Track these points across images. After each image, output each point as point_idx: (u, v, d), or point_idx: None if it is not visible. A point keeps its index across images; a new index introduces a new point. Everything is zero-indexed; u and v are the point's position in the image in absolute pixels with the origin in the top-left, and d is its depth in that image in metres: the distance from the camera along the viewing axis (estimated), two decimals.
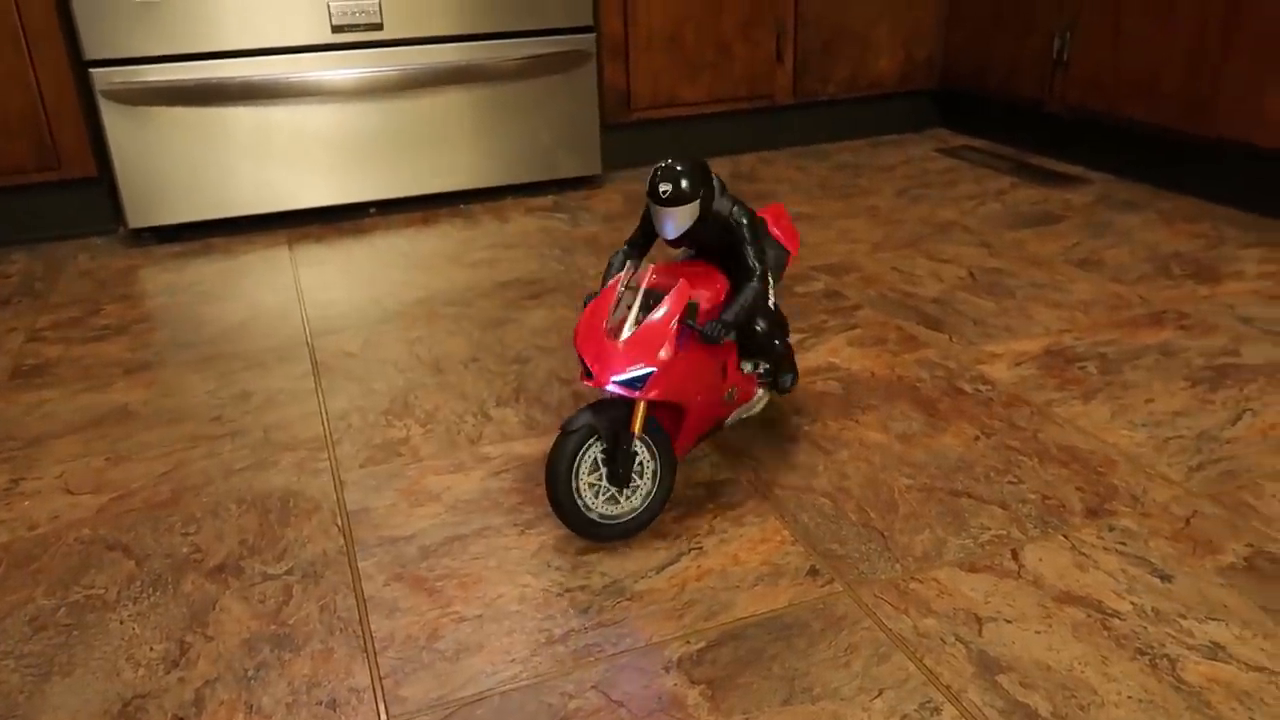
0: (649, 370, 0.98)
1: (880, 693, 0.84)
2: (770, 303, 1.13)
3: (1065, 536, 1.04)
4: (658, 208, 1.03)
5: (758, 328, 1.10)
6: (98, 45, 1.97)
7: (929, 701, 0.83)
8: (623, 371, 0.97)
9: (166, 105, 2.04)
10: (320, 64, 2.11)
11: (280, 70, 2.09)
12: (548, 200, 2.34)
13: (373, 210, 2.29)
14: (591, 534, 1.03)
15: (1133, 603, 0.94)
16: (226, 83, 2.05)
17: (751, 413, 1.19)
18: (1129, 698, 0.83)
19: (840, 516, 1.09)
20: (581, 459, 1.00)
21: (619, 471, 1.01)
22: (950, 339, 1.52)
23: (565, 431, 1.00)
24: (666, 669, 0.88)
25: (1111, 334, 1.52)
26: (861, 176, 2.45)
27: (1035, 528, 1.06)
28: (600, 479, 1.02)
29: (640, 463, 1.03)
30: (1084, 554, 1.01)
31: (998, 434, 1.25)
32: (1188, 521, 1.06)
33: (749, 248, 1.06)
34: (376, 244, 2.08)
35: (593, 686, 0.86)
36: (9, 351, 1.62)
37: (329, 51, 2.12)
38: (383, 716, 0.84)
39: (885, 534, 1.05)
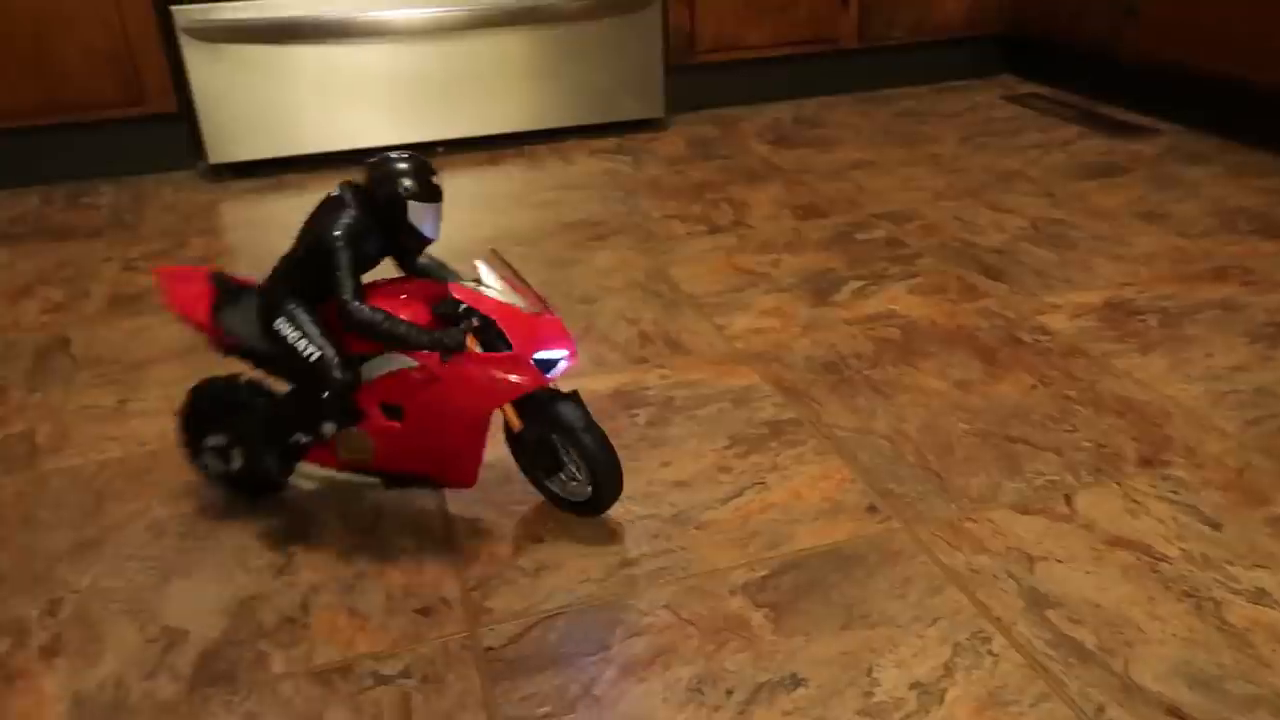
0: (563, 353, 0.97)
1: (934, 622, 0.90)
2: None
3: (1118, 484, 1.08)
4: (430, 205, 0.94)
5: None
6: None
7: (980, 632, 0.89)
8: (563, 349, 0.98)
9: (243, 43, 2.09)
10: (391, 3, 2.15)
11: (351, 8, 2.13)
12: (610, 142, 2.37)
13: (440, 149, 2.34)
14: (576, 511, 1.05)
15: (1182, 548, 0.98)
16: (301, 21, 2.10)
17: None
18: (1173, 635, 0.87)
19: (898, 458, 1.13)
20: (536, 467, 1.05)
21: (546, 465, 1.04)
22: (1010, 289, 1.54)
23: (520, 448, 1.04)
24: (732, 593, 0.94)
25: (1173, 288, 1.53)
26: (925, 123, 2.44)
27: (1089, 474, 1.10)
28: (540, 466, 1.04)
29: (563, 452, 1.03)
30: (1136, 501, 1.05)
31: (1055, 383, 1.28)
32: (1240, 473, 1.09)
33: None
34: (445, 183, 2.13)
35: (664, 606, 0.93)
36: (107, 280, 1.71)
37: None
38: (471, 623, 0.91)
39: (942, 475, 1.10)
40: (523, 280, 0.99)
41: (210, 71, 2.10)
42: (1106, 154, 2.17)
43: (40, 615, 0.95)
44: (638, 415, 1.23)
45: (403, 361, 0.96)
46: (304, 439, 1.00)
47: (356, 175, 0.99)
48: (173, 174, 2.26)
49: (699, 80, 2.57)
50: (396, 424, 0.99)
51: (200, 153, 2.22)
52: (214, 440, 1.06)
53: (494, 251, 1.02)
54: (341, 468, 1.05)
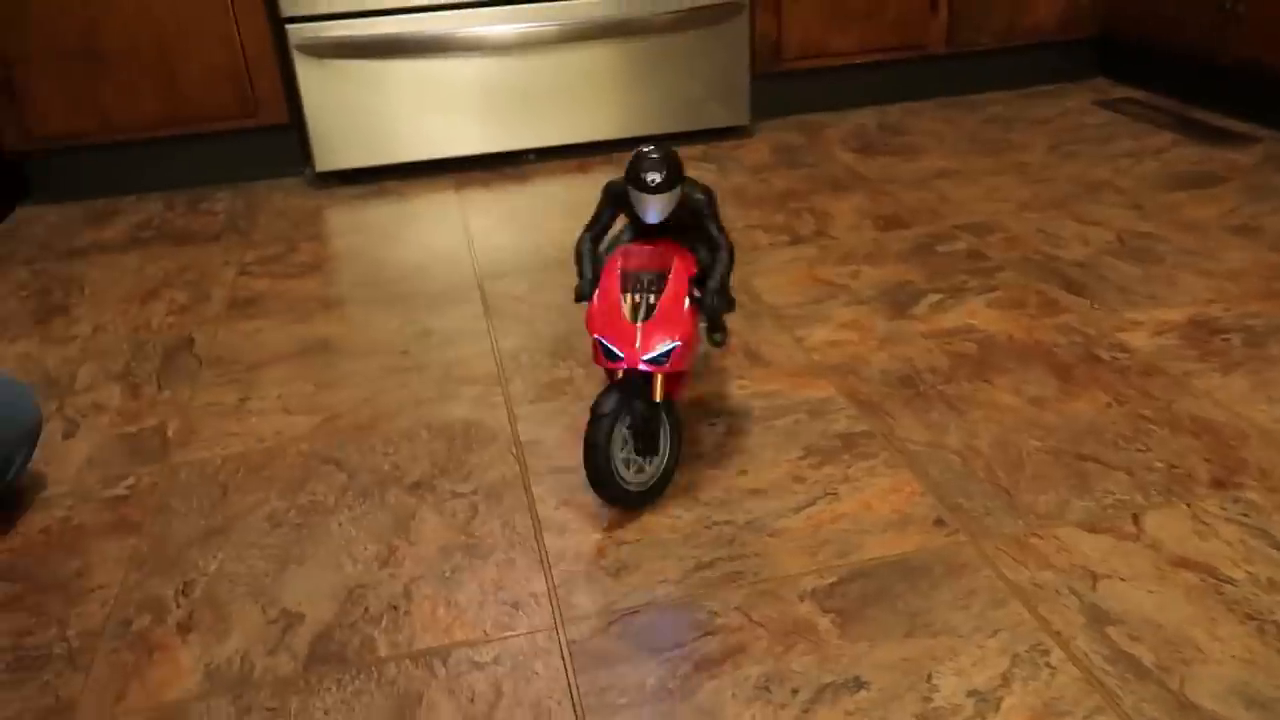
0: (674, 345, 1.07)
1: (995, 633, 0.94)
2: (729, 277, 1.17)
3: (1188, 505, 1.09)
4: (646, 195, 1.10)
5: (714, 300, 1.14)
6: (293, 3, 2.15)
7: (1039, 645, 0.92)
8: (650, 350, 1.07)
9: (350, 58, 2.22)
10: (486, 19, 2.25)
11: (449, 25, 2.23)
12: (697, 150, 2.43)
13: (531, 157, 2.44)
14: (624, 503, 1.12)
15: (1248, 571, 1.00)
16: (402, 37, 2.22)
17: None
18: (1232, 657, 0.89)
19: (969, 473, 1.17)
20: (614, 438, 1.09)
21: (651, 441, 1.11)
22: (1092, 304, 1.55)
23: (598, 415, 1.07)
24: (801, 598, 1.00)
25: (1261, 305, 1.52)
26: (1012, 130, 2.43)
27: (1159, 495, 1.11)
28: (629, 452, 1.11)
29: (663, 430, 1.13)
30: (1205, 523, 1.07)
31: (1131, 402, 1.29)
32: None
33: (711, 223, 1.15)
34: (536, 190, 2.22)
35: (735, 608, 0.99)
36: (225, 284, 1.84)
37: (494, 7, 2.24)
38: (558, 618, 0.99)
39: (1010, 491, 1.13)
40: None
41: (319, 85, 2.23)
42: (1201, 163, 2.13)
43: (175, 595, 1.06)
44: (716, 424, 1.29)
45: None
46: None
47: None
48: (283, 180, 2.41)
49: (785, 87, 2.61)
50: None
51: (308, 161, 2.35)
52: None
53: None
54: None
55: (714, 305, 1.12)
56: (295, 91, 2.25)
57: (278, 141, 2.40)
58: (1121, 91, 2.69)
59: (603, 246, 1.20)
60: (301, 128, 2.32)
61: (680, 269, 1.12)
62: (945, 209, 1.97)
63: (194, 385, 1.49)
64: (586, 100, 2.38)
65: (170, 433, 1.36)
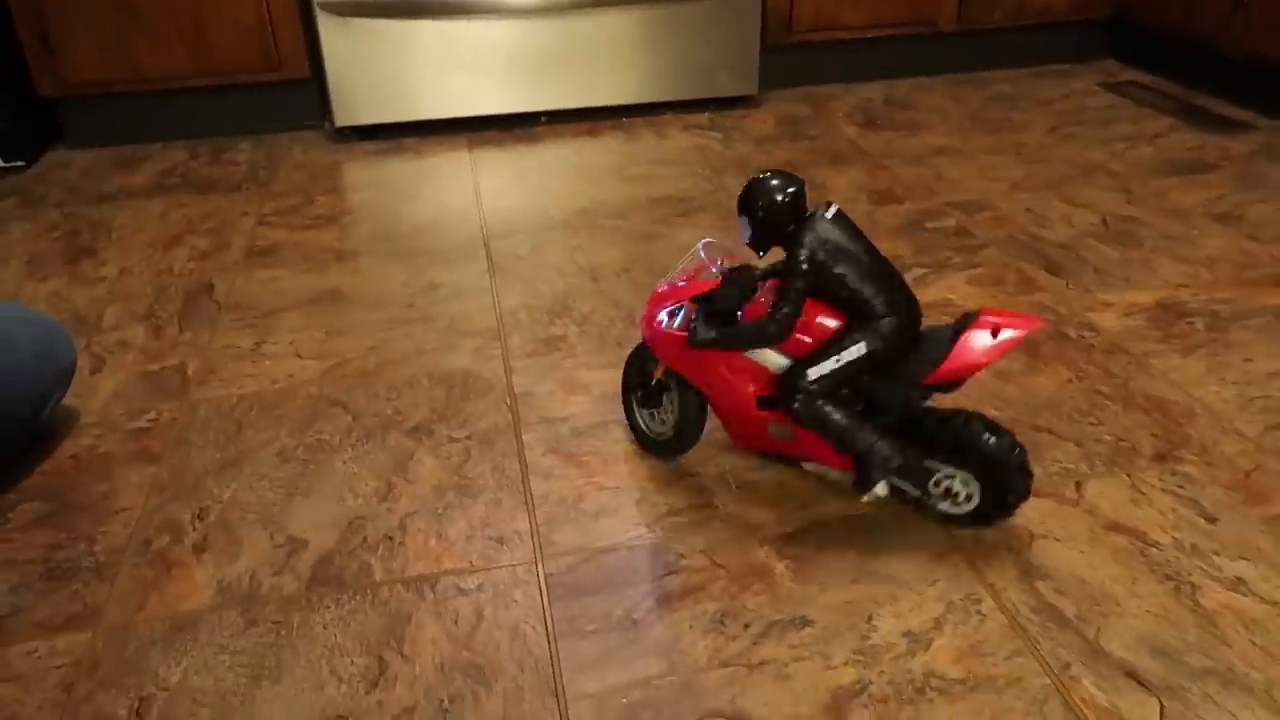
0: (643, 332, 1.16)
1: (934, 583, 1.03)
2: (811, 372, 1.02)
3: (1129, 475, 1.18)
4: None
5: (794, 381, 1.03)
6: None
7: (973, 594, 1.01)
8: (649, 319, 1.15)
9: (371, 17, 2.28)
10: None
11: None
12: (704, 118, 2.48)
13: (544, 119, 2.50)
14: (640, 442, 1.24)
15: (1174, 537, 1.08)
16: None
17: (834, 477, 1.14)
18: (1147, 612, 0.98)
19: None
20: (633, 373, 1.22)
21: (647, 394, 1.21)
22: (1067, 285, 1.62)
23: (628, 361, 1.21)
24: (761, 544, 1.09)
25: (1230, 292, 1.58)
26: (1016, 109, 2.48)
27: (1103, 465, 1.19)
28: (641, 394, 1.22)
29: (671, 398, 1.20)
30: (1142, 492, 1.15)
31: (1090, 378, 1.37)
32: (1248, 474, 1.17)
33: (783, 291, 1.02)
34: (546, 153, 2.29)
35: (700, 551, 1.08)
36: (244, 232, 1.93)
37: None
38: (538, 553, 1.09)
39: None
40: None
41: (341, 42, 2.30)
42: (1195, 150, 2.18)
43: (191, 519, 1.16)
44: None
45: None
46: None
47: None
48: (302, 134, 2.49)
49: (794, 58, 2.65)
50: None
51: (328, 115, 2.43)
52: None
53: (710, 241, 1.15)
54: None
55: (689, 328, 1.09)
56: (317, 48, 2.32)
57: (299, 96, 2.48)
58: (1129, 75, 2.72)
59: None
60: (322, 83, 2.39)
61: (702, 284, 1.10)
62: (940, 186, 2.03)
63: (213, 328, 1.58)
64: (600, 65, 2.44)
65: (190, 372, 1.46)
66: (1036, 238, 1.79)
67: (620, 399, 1.29)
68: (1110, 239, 1.78)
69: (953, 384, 1.04)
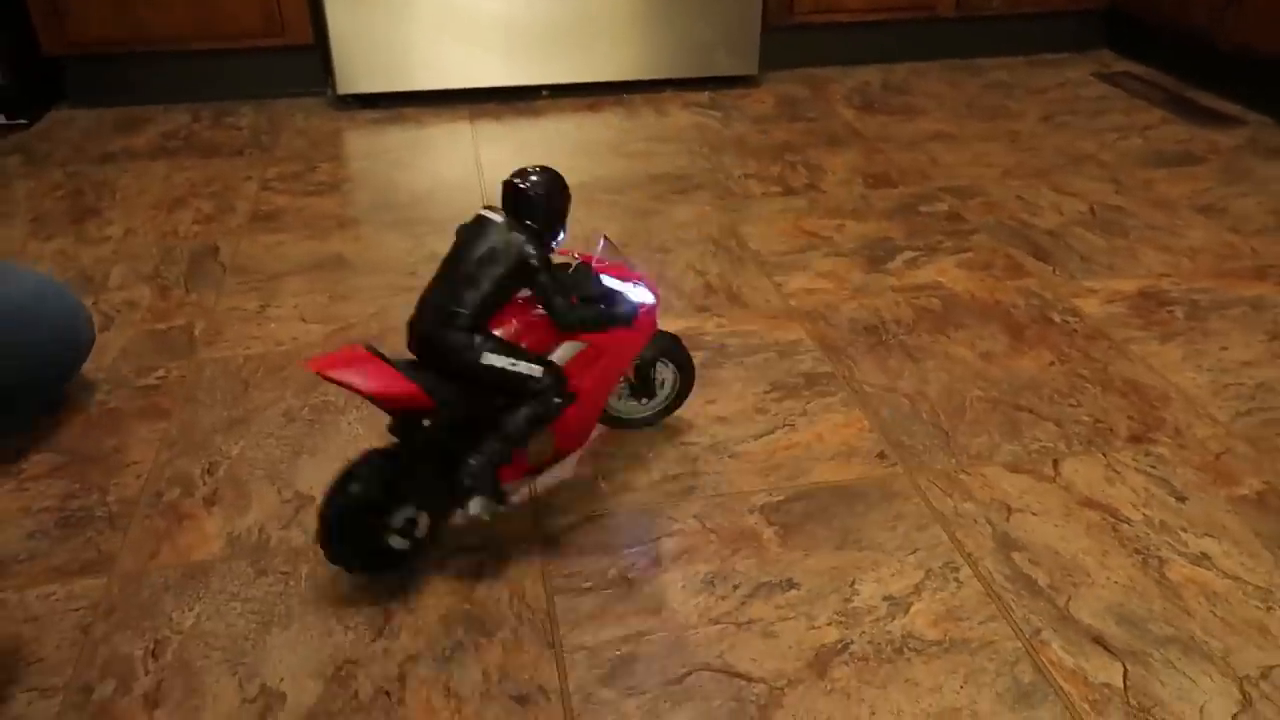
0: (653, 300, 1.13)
1: (914, 551, 1.08)
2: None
3: (1104, 455, 1.23)
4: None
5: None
6: None
7: (951, 563, 1.06)
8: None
9: None
10: None
11: None
12: (704, 96, 2.51)
13: (545, 93, 2.52)
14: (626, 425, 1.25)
15: (1145, 514, 1.13)
16: None
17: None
18: (1115, 583, 1.03)
19: (915, 415, 1.30)
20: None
21: (641, 392, 1.24)
22: (1053, 271, 1.67)
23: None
24: (750, 512, 1.14)
25: (1210, 282, 1.63)
26: (1011, 97, 2.51)
27: (1080, 445, 1.24)
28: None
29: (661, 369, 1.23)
30: (1116, 471, 1.20)
31: (1071, 362, 1.42)
32: (1218, 457, 1.22)
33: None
34: (547, 126, 2.32)
35: (693, 516, 1.13)
36: (248, 197, 1.96)
37: None
38: (535, 514, 1.13)
39: (949, 433, 1.26)
40: (630, 264, 1.13)
41: (345, 10, 2.31)
42: (1184, 142, 2.22)
43: (201, 474, 1.20)
44: (693, 357, 1.42)
45: (576, 346, 1.04)
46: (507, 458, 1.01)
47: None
48: (303, 100, 2.50)
49: (794, 40, 2.68)
50: (572, 409, 1.04)
51: (330, 82, 2.44)
52: (402, 514, 1.00)
53: (607, 237, 1.15)
54: (519, 476, 1.07)
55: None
56: (321, 14, 2.34)
57: (301, 62, 2.49)
58: (1124, 65, 2.76)
59: None
60: (325, 50, 2.40)
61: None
62: (934, 171, 2.07)
63: (218, 290, 1.61)
64: (602, 41, 2.46)
65: (197, 332, 1.49)
66: (1026, 224, 1.83)
67: None
68: (1097, 227, 1.82)
69: None
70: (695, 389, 1.34)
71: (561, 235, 1.05)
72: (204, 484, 1.18)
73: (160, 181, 2.02)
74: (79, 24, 2.29)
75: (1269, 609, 1.01)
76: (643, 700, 0.91)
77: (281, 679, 0.93)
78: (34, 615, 1.00)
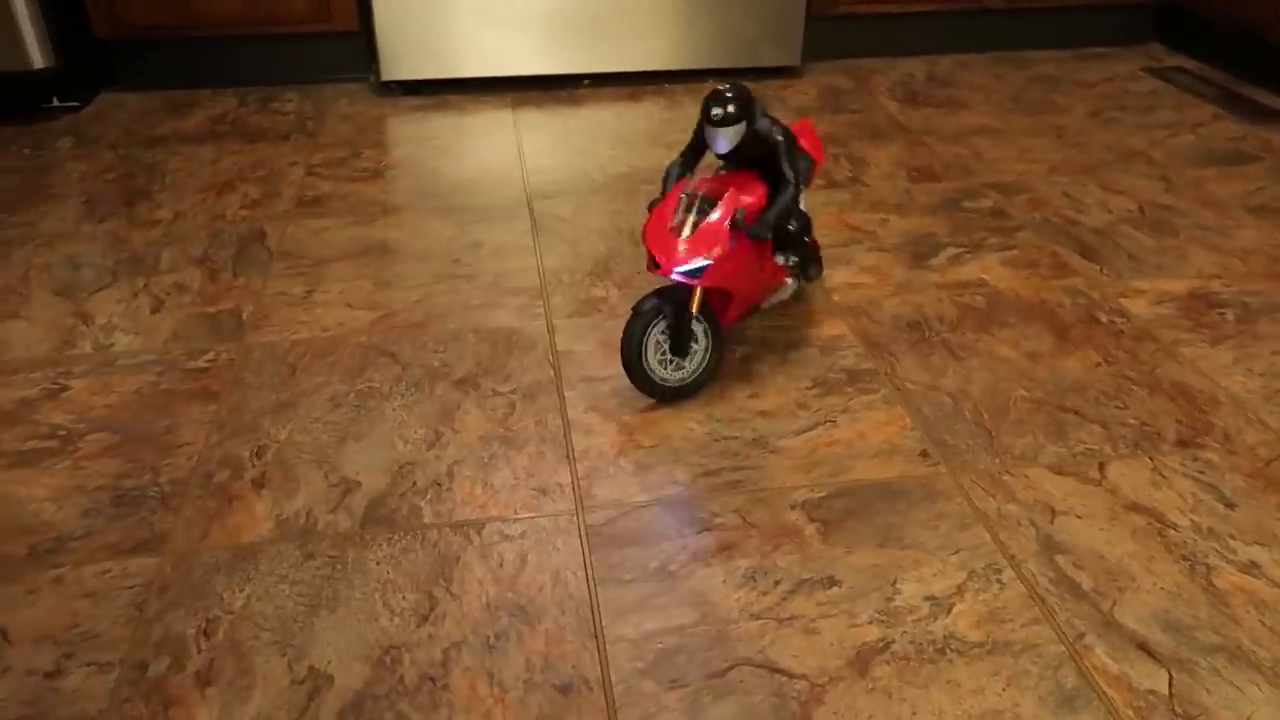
0: (706, 263, 1.21)
1: (957, 551, 1.08)
2: (804, 206, 1.34)
3: (1151, 459, 1.21)
4: (711, 128, 1.24)
5: (790, 227, 1.32)
6: None
7: (994, 564, 1.06)
8: (685, 263, 1.21)
9: None
10: None
11: None
12: None
13: (586, 82, 2.52)
14: (654, 393, 1.30)
15: (1192, 520, 1.12)
16: None
17: (783, 297, 1.44)
18: (1161, 589, 1.03)
19: (957, 413, 1.29)
20: (649, 334, 1.26)
21: (680, 344, 1.26)
22: (1101, 270, 1.65)
23: (636, 312, 1.25)
24: (792, 507, 1.14)
25: (1262, 284, 1.60)
26: (1057, 91, 2.48)
27: (1127, 448, 1.23)
28: (665, 350, 1.27)
29: (696, 337, 1.28)
30: (1163, 475, 1.19)
31: (1119, 363, 1.40)
32: (1268, 463, 1.21)
33: (784, 162, 1.27)
34: (588, 115, 2.32)
35: (734, 510, 1.13)
36: (293, 182, 1.98)
37: None
38: (579, 505, 1.14)
39: (993, 433, 1.26)
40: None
41: None
42: (1237, 140, 2.18)
43: (250, 456, 1.22)
44: (736, 351, 1.42)
45: None
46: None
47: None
48: (348, 86, 2.52)
49: (838, 30, 2.66)
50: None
51: (374, 69, 2.46)
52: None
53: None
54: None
55: (755, 232, 1.25)
56: (367, 1, 2.35)
57: (346, 48, 2.51)
58: (1174, 60, 2.70)
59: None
60: (370, 36, 2.42)
61: (732, 197, 1.24)
62: (978, 166, 2.05)
63: (266, 275, 1.63)
64: (643, 31, 2.45)
65: (245, 316, 1.52)
66: (1072, 222, 1.81)
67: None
68: (1146, 226, 1.80)
69: None
70: (739, 381, 1.34)
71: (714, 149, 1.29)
72: (253, 466, 1.20)
73: (208, 165, 2.05)
74: (130, 8, 2.32)
75: None
76: (684, 693, 0.92)
77: (329, 661, 0.95)
78: (90, 591, 1.03)
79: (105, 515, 1.13)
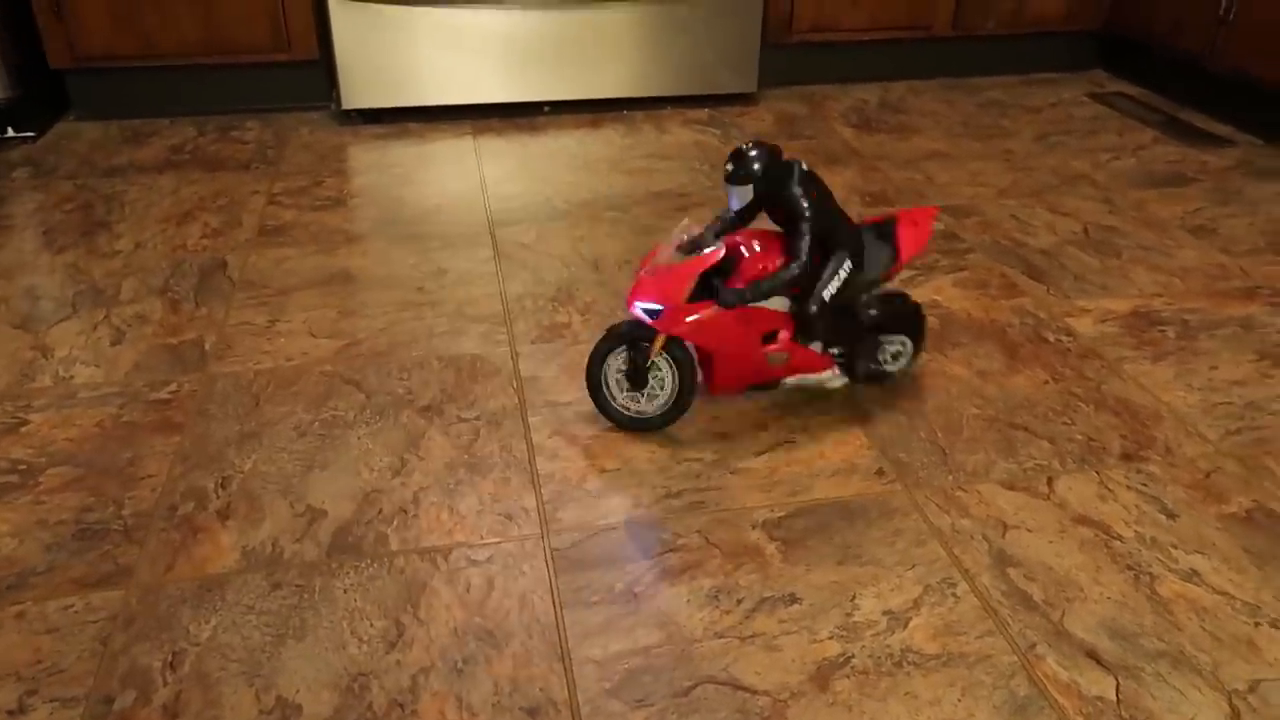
0: (658, 307, 1.22)
1: (913, 566, 1.11)
2: (825, 294, 1.24)
3: (1097, 473, 1.26)
4: (724, 183, 1.23)
5: (811, 309, 1.25)
6: None
7: (949, 578, 1.09)
8: (639, 300, 1.23)
9: (381, 2, 2.33)
10: None
11: None
12: (703, 113, 2.55)
13: (546, 109, 2.55)
14: (613, 419, 1.32)
15: (1136, 531, 1.16)
16: None
17: (821, 385, 1.34)
18: (1107, 598, 1.07)
19: (912, 432, 1.33)
20: (610, 361, 1.29)
21: (636, 377, 1.28)
22: (1048, 290, 1.70)
23: (605, 335, 1.28)
24: (753, 527, 1.16)
25: (1201, 302, 1.67)
26: (1006, 116, 2.55)
27: (1074, 463, 1.28)
28: (624, 378, 1.29)
29: (660, 378, 1.29)
30: (1109, 489, 1.23)
31: (1066, 381, 1.45)
32: (1208, 475, 1.26)
33: (797, 239, 1.22)
34: (549, 142, 2.35)
35: (696, 531, 1.16)
36: (254, 211, 1.98)
37: None
38: (545, 529, 1.16)
39: (946, 451, 1.30)
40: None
41: (350, 26, 2.34)
42: (1176, 163, 2.26)
43: (215, 487, 1.23)
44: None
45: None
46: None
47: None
48: (308, 114, 2.53)
49: (792, 58, 2.72)
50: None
51: (334, 97, 2.47)
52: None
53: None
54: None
55: (722, 297, 1.22)
56: (327, 30, 2.37)
57: (306, 76, 2.52)
58: (1117, 86, 2.80)
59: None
60: (330, 65, 2.43)
61: (710, 254, 1.22)
62: (930, 190, 2.11)
63: (228, 305, 1.64)
64: (602, 58, 2.49)
65: (208, 346, 1.52)
66: (1020, 244, 1.87)
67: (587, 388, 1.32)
68: (1090, 247, 1.86)
69: (897, 274, 1.36)
70: (699, 404, 1.37)
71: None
72: (218, 497, 1.21)
73: (168, 195, 2.05)
74: (85, 37, 2.32)
75: (1256, 624, 1.04)
76: (650, 713, 0.94)
77: (297, 690, 0.96)
78: (54, 627, 1.03)
79: (68, 549, 1.12)
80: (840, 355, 1.34)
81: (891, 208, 2.01)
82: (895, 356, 1.38)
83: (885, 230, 1.33)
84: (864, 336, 1.33)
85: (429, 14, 2.35)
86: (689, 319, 1.24)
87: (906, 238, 1.32)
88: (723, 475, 1.25)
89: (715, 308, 1.23)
